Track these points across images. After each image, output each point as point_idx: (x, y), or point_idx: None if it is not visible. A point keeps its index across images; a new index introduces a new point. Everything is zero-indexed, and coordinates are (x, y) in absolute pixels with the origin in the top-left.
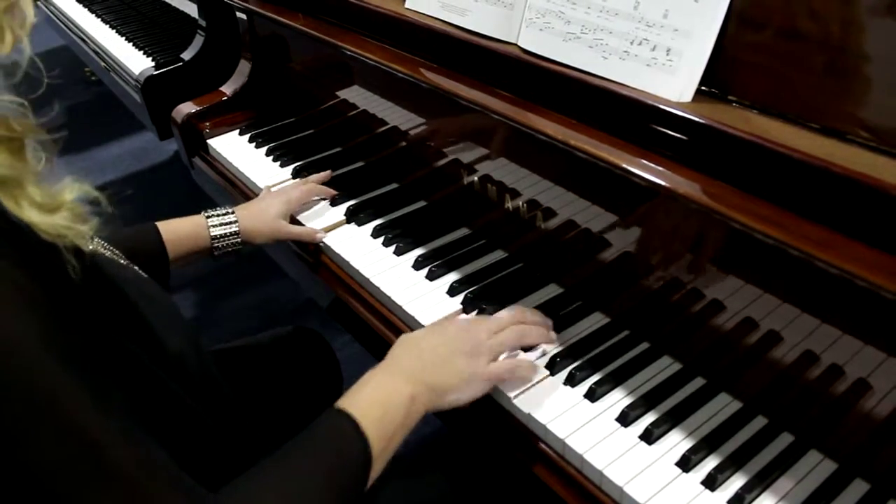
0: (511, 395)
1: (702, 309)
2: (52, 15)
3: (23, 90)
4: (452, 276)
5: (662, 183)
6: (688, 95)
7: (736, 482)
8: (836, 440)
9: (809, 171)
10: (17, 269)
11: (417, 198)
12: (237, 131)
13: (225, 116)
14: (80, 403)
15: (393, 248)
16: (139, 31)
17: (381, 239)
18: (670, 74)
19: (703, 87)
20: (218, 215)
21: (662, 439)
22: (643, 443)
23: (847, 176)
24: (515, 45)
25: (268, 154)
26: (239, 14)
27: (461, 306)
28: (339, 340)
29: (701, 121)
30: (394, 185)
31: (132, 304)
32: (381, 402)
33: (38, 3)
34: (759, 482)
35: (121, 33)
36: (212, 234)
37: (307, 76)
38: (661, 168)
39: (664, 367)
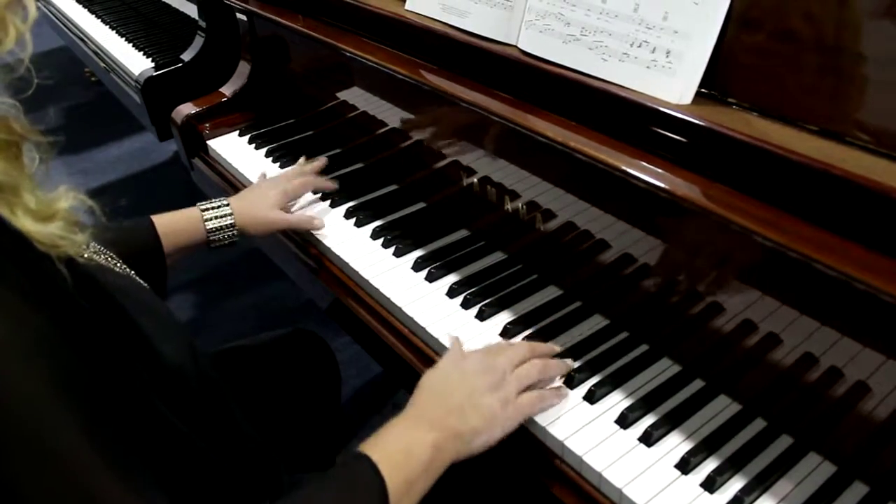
0: None
1: (701, 311)
2: (51, 15)
3: (17, 91)
4: (452, 278)
5: (662, 185)
6: (687, 97)
7: (735, 484)
8: (835, 442)
9: (809, 173)
10: (22, 301)
11: (417, 199)
12: (237, 132)
13: (225, 117)
14: (84, 461)
15: (392, 249)
16: (139, 32)
17: (381, 240)
18: (670, 76)
19: (702, 90)
20: (213, 207)
21: (662, 441)
22: (642, 445)
23: (847, 179)
24: (515, 46)
25: (267, 155)
26: (239, 15)
27: (461, 308)
28: (338, 341)
29: (700, 123)
30: (393, 187)
31: (128, 315)
32: (402, 448)
33: (38, 3)
34: (759, 484)
35: (121, 34)
36: (207, 227)
37: (307, 77)
38: (660, 170)
39: (663, 370)
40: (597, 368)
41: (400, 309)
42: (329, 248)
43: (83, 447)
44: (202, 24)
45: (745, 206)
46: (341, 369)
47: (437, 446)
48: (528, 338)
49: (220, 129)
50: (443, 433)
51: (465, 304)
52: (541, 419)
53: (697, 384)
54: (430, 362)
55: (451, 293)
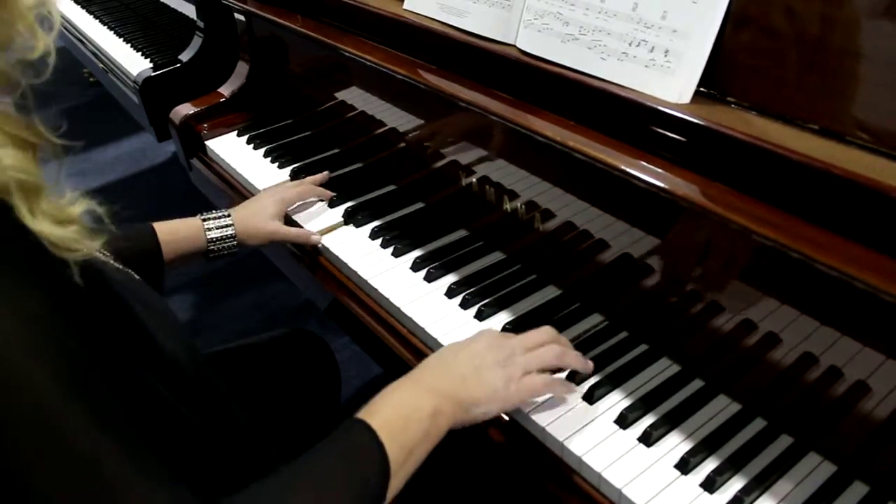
0: None
1: (701, 311)
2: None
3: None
4: (451, 278)
5: (661, 184)
6: (686, 97)
7: (735, 484)
8: (835, 442)
9: (809, 172)
10: (32, 298)
11: (416, 199)
12: (235, 133)
13: (223, 118)
14: (97, 450)
15: (391, 249)
16: (137, 33)
17: (380, 240)
18: (669, 76)
19: (701, 89)
20: (214, 218)
21: (661, 441)
22: (642, 445)
23: (847, 178)
24: (514, 46)
25: (266, 155)
26: (237, 15)
27: (459, 308)
28: (337, 342)
29: (700, 122)
30: (392, 187)
31: (130, 310)
32: (401, 414)
33: None
34: (758, 484)
35: (119, 35)
36: (208, 237)
37: (305, 77)
38: (659, 170)
39: (663, 369)
40: (596, 368)
41: (399, 309)
42: (328, 249)
43: (96, 437)
44: (200, 24)
45: (745, 205)
46: (341, 369)
47: (436, 412)
48: None
49: (219, 130)
50: (442, 398)
51: (464, 304)
52: (540, 420)
53: (697, 384)
54: None
55: (450, 293)
